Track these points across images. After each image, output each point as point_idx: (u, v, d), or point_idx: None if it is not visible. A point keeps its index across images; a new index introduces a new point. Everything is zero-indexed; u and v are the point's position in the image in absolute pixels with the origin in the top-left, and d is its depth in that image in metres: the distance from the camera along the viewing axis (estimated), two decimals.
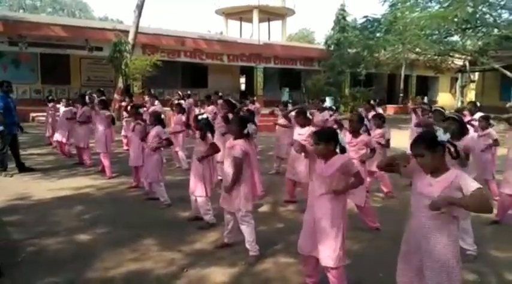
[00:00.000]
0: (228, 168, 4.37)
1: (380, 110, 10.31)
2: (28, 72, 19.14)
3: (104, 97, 9.37)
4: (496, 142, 6.71)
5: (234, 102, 8.27)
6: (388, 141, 7.07)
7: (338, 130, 3.69)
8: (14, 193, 6.68)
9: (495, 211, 5.89)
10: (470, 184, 2.65)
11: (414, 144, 2.86)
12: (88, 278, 3.94)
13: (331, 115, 9.46)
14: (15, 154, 8.31)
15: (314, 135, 3.57)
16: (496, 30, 16.07)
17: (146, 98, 11.74)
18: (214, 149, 5.33)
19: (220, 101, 9.59)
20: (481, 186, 2.67)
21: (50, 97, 11.76)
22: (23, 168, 8.27)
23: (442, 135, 2.76)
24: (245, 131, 4.37)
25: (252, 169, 4.43)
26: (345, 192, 3.50)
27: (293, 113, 7.37)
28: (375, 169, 6.70)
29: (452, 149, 2.82)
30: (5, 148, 8.03)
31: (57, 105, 11.22)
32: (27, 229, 5.14)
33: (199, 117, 5.36)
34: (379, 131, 7.02)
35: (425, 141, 2.80)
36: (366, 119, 6.11)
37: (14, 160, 8.28)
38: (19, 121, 8.56)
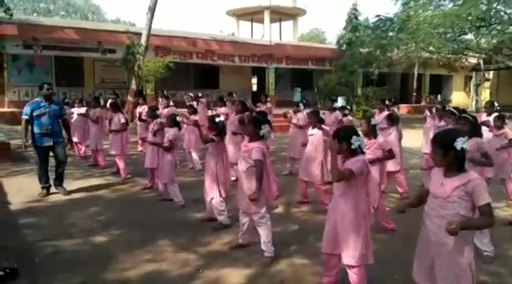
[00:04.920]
0: (244, 171, 4.36)
1: (395, 109, 10.22)
2: (42, 74, 19.30)
3: (114, 100, 9.37)
4: (510, 143, 6.60)
5: (247, 103, 8.27)
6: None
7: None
8: (30, 195, 6.75)
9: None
10: (482, 196, 2.63)
11: (433, 139, 2.91)
12: (104, 279, 3.97)
13: (344, 115, 9.40)
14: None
15: (335, 133, 3.51)
16: (511, 28, 15.85)
17: (160, 100, 11.77)
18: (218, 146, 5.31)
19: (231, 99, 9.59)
20: (490, 201, 2.64)
21: (66, 100, 11.84)
22: None
23: (461, 143, 2.70)
24: (260, 133, 4.37)
25: (267, 171, 4.42)
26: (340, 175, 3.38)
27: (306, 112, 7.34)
28: (393, 169, 6.64)
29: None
30: (40, 162, 6.82)
31: (72, 109, 11.12)
32: (43, 231, 5.19)
33: (216, 119, 5.34)
34: (392, 129, 6.99)
35: (439, 141, 2.84)
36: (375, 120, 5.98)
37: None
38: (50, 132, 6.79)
